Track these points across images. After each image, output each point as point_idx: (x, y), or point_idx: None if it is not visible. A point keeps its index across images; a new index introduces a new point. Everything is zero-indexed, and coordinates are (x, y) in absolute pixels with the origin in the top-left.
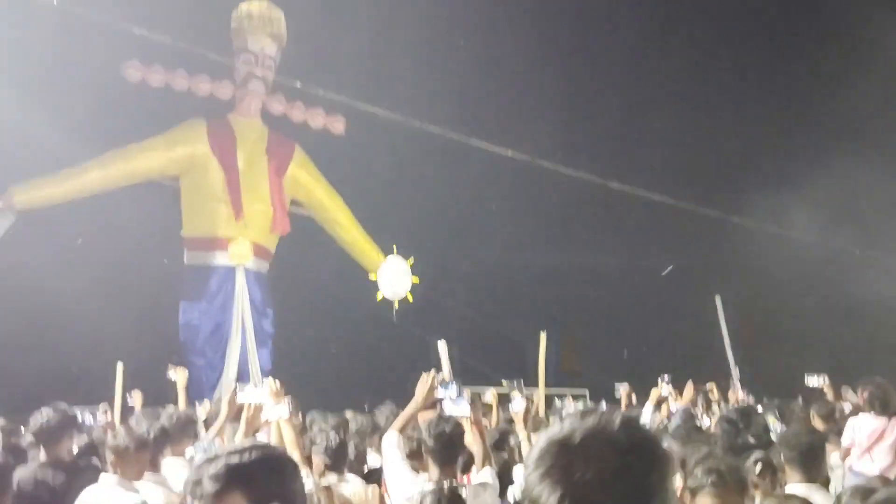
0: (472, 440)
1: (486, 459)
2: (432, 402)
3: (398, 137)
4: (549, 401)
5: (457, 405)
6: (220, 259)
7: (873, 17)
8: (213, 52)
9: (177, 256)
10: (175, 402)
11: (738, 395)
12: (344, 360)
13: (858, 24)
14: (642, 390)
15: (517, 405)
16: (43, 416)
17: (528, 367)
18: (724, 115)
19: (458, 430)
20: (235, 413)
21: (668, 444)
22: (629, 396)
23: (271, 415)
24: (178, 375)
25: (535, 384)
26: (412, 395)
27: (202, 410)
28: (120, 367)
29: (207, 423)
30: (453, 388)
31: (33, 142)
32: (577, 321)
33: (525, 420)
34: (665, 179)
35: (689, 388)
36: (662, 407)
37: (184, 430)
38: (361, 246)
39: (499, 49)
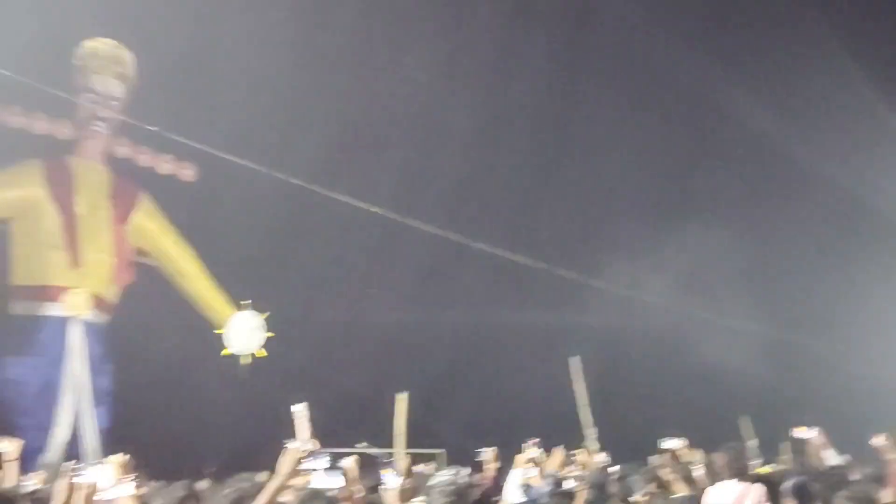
0: None
1: None
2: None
3: (256, 187)
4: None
5: (330, 477)
6: (53, 310)
7: (728, 95)
8: (52, 88)
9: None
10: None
11: (594, 457)
12: (190, 420)
13: (713, 99)
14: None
15: (391, 482)
16: None
17: (385, 427)
18: (582, 178)
19: None
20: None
21: None
22: (496, 460)
23: (115, 493)
24: (9, 446)
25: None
26: (265, 461)
27: (36, 480)
28: None
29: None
30: (324, 459)
31: None
32: (433, 380)
33: (403, 500)
34: (524, 239)
35: (557, 453)
36: (533, 471)
37: None
38: (208, 299)
39: (362, 101)
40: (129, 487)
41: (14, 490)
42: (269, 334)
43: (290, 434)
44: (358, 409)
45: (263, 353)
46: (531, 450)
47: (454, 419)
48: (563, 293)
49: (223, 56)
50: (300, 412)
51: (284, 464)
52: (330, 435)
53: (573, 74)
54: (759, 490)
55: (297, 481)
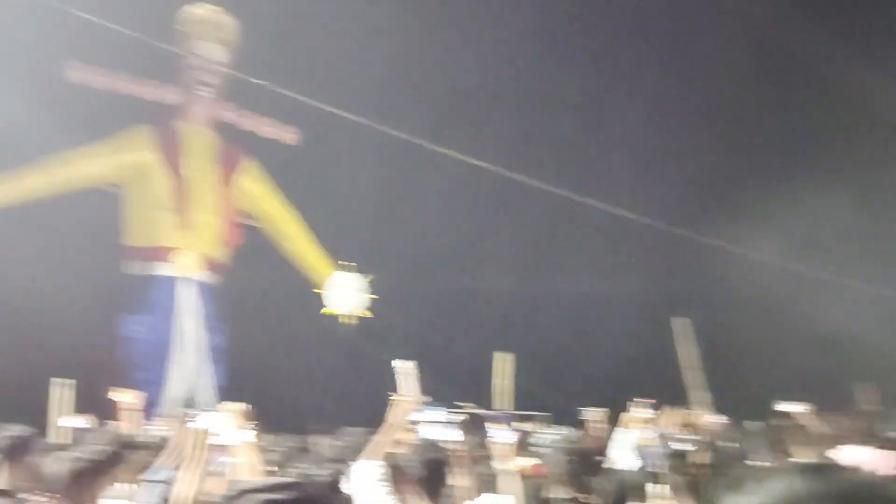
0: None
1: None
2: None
3: (359, 145)
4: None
5: (445, 430)
6: (165, 269)
7: (839, 56)
8: (159, 56)
9: (117, 266)
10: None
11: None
12: (298, 377)
13: (834, 61)
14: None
15: (499, 436)
16: None
17: (487, 389)
18: (698, 138)
19: (447, 458)
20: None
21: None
22: (604, 421)
23: (233, 439)
24: (132, 397)
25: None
26: (374, 417)
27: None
28: (54, 382)
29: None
30: (439, 412)
31: None
32: (536, 343)
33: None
34: (632, 197)
35: (671, 414)
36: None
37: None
38: (311, 260)
39: (473, 54)
40: (248, 435)
41: (139, 436)
42: (373, 296)
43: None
44: (465, 372)
45: (368, 313)
46: (640, 410)
47: (559, 382)
48: (675, 253)
49: (328, 14)
50: (405, 368)
51: (394, 415)
52: (437, 396)
53: (691, 35)
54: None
55: (406, 435)
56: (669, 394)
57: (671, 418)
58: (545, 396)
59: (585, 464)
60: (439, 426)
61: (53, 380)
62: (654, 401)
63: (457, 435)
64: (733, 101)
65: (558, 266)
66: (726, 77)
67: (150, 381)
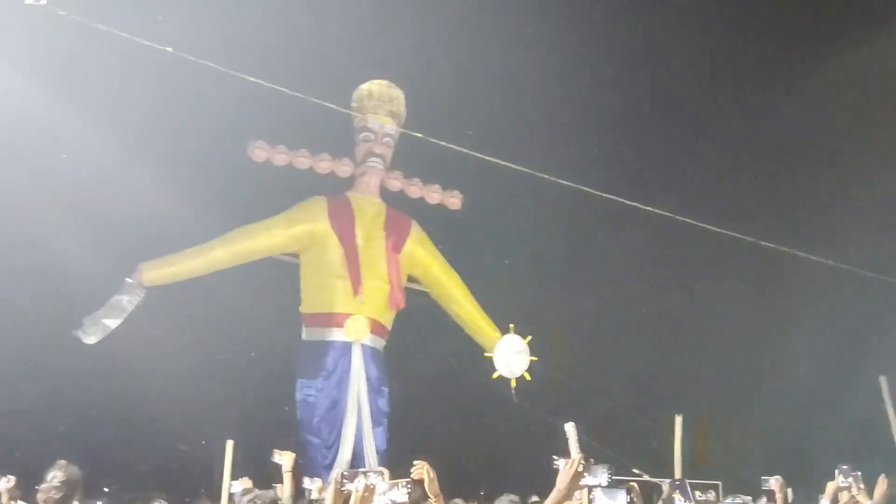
0: None
1: None
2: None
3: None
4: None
5: (611, 497)
6: (338, 335)
7: None
8: (333, 131)
9: (294, 333)
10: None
11: None
12: (460, 441)
13: None
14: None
15: None
16: None
17: (659, 454)
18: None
19: None
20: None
21: None
22: (783, 490)
23: (387, 499)
24: (284, 458)
25: (665, 474)
26: (532, 482)
27: (315, 489)
28: (230, 445)
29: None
30: (605, 474)
31: (162, 219)
32: (710, 404)
33: None
34: (826, 235)
35: (882, 483)
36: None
37: None
38: (478, 323)
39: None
40: (402, 495)
41: (292, 499)
42: (533, 358)
43: (558, 453)
44: (628, 433)
45: (527, 376)
46: (840, 478)
47: (730, 445)
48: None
49: (484, 78)
50: (571, 430)
51: (563, 476)
52: (598, 459)
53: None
54: None
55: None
56: (871, 460)
57: (883, 488)
58: (716, 462)
59: None
60: (614, 494)
61: (229, 443)
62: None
63: (623, 499)
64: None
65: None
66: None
67: (322, 445)
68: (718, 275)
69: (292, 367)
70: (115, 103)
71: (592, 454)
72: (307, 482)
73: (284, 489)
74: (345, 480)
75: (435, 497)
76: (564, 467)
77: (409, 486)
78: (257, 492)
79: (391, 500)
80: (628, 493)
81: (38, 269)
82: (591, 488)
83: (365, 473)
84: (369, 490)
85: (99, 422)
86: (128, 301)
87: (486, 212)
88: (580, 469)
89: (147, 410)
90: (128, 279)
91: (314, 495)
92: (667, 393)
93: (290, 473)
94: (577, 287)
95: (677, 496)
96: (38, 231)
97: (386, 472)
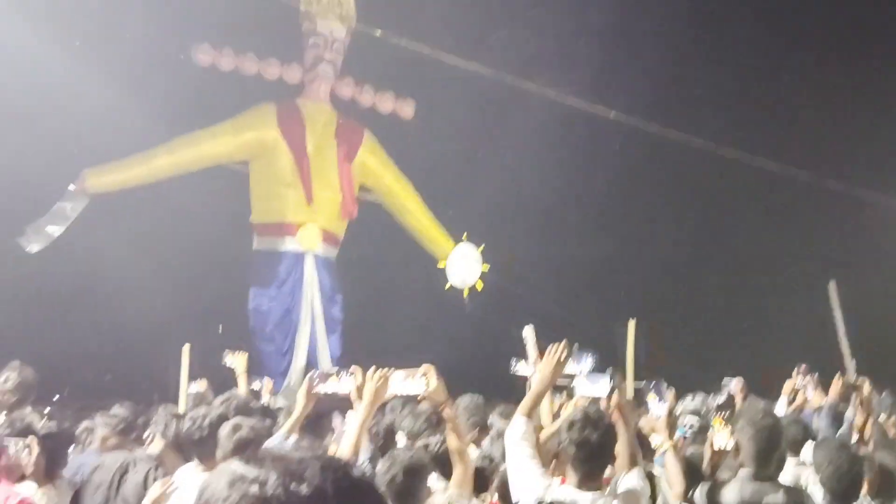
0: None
1: (633, 459)
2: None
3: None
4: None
5: (593, 383)
6: (289, 245)
7: None
8: (282, 35)
9: (246, 242)
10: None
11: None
12: (413, 349)
13: None
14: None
15: (657, 410)
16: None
17: (613, 358)
18: (840, 80)
19: (607, 438)
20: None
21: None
22: (744, 391)
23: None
24: (237, 360)
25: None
26: (492, 386)
27: (264, 390)
28: (186, 349)
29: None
30: (588, 360)
31: (106, 126)
32: (663, 309)
33: (670, 426)
34: (776, 144)
35: (836, 383)
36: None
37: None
38: (430, 233)
39: None
40: (418, 385)
41: (248, 398)
42: (485, 266)
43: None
44: (583, 340)
45: (480, 284)
46: (799, 377)
47: (682, 349)
48: (824, 208)
49: None
50: (529, 334)
51: (546, 363)
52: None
53: None
54: None
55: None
56: (819, 361)
57: (837, 387)
58: (669, 365)
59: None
60: (596, 378)
61: (185, 346)
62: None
63: (607, 388)
64: None
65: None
66: None
67: (276, 352)
68: (670, 181)
69: (244, 275)
70: (53, 7)
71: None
72: (255, 384)
73: (240, 390)
74: (318, 381)
75: (443, 402)
76: (548, 354)
77: (425, 378)
78: (231, 394)
79: (406, 392)
80: (611, 378)
81: None
82: (572, 377)
83: (338, 374)
84: (384, 378)
85: (46, 330)
86: (71, 209)
87: (441, 119)
88: (563, 356)
89: (96, 318)
90: (71, 186)
91: (265, 397)
92: (621, 297)
93: (244, 375)
94: (531, 195)
95: (652, 398)
96: None
97: (359, 371)
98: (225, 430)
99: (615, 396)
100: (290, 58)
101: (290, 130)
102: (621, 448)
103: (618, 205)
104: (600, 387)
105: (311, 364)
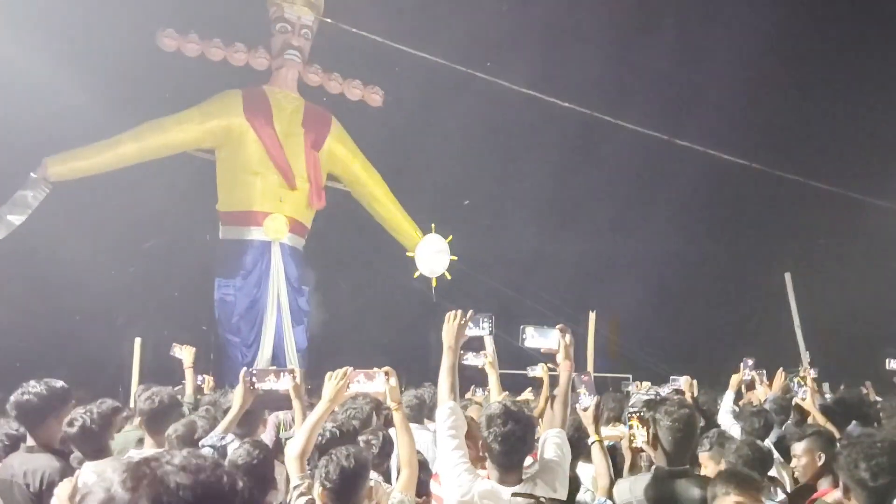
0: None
1: (562, 418)
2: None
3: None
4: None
5: (544, 337)
6: (256, 234)
7: None
8: (248, 21)
9: (212, 231)
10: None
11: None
12: (382, 338)
13: None
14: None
15: (585, 402)
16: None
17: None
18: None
19: (528, 431)
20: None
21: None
22: (691, 389)
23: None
24: (184, 353)
25: (582, 369)
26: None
27: (206, 386)
28: (138, 342)
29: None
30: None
31: (67, 112)
32: (622, 303)
33: (595, 420)
34: (735, 137)
35: (779, 376)
36: (746, 395)
37: (165, 414)
38: (399, 222)
39: None
40: (379, 384)
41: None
42: (453, 257)
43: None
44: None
45: (447, 275)
46: (746, 371)
47: (646, 343)
48: (780, 199)
49: None
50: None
51: (446, 333)
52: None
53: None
54: None
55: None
56: (775, 353)
57: (783, 380)
58: (636, 359)
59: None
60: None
61: (137, 340)
62: (754, 360)
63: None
64: None
65: (646, 219)
66: None
67: (242, 343)
68: (631, 171)
69: (209, 265)
70: None
71: (508, 349)
72: (198, 379)
73: (187, 385)
74: (254, 379)
75: (396, 404)
76: (446, 322)
77: (386, 375)
78: (155, 388)
79: (366, 391)
80: (562, 333)
81: None
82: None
83: (276, 372)
84: (345, 378)
85: (4, 319)
86: (32, 197)
87: (408, 109)
88: (461, 321)
89: (57, 309)
90: (32, 174)
91: (206, 392)
92: (582, 291)
93: (191, 369)
94: (499, 186)
95: (583, 391)
96: None
97: (298, 370)
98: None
99: (562, 346)
100: (256, 44)
101: (256, 118)
102: (556, 404)
103: (580, 197)
104: (551, 340)
105: (276, 356)
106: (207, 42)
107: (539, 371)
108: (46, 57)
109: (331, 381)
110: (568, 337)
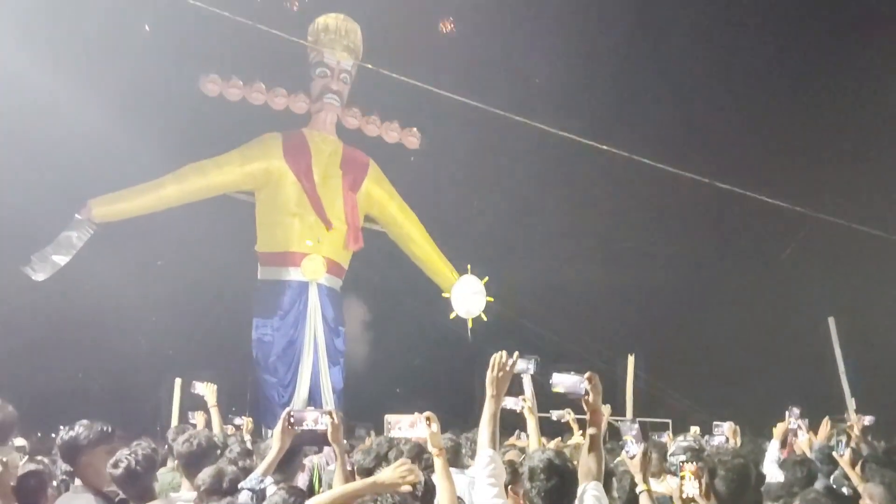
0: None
1: (598, 470)
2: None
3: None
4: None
5: (572, 382)
6: (294, 275)
7: None
8: (289, 66)
9: (251, 272)
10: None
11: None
12: (418, 379)
13: None
14: (740, 422)
15: (632, 450)
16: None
17: (613, 392)
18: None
19: (570, 484)
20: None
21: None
22: (735, 436)
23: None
24: (207, 391)
25: (621, 413)
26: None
27: (244, 429)
28: (178, 383)
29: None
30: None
31: (112, 154)
32: (661, 345)
33: (644, 468)
34: (775, 179)
35: (825, 425)
36: (790, 443)
37: (203, 456)
38: (435, 263)
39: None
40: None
41: (209, 436)
42: (489, 299)
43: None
44: (583, 373)
45: (484, 316)
46: (791, 420)
47: (682, 386)
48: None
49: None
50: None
51: (490, 383)
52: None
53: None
54: None
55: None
56: (819, 400)
57: (828, 430)
58: (668, 403)
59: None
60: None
61: (177, 381)
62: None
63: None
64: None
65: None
66: None
67: (279, 384)
68: (672, 214)
69: (248, 306)
70: (63, 38)
71: (546, 394)
72: (237, 420)
73: (214, 424)
74: (292, 419)
75: (438, 450)
76: (489, 371)
77: (427, 421)
78: (192, 430)
79: (410, 436)
80: (590, 381)
81: None
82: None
83: (315, 414)
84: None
85: (49, 359)
86: (77, 237)
87: (445, 151)
88: (503, 368)
89: (100, 348)
90: (77, 215)
91: (246, 435)
92: (621, 333)
93: (215, 408)
94: (536, 229)
95: (630, 438)
96: None
97: (335, 411)
98: None
99: (591, 395)
100: (296, 88)
101: (296, 160)
102: (590, 455)
103: (619, 238)
104: (579, 387)
105: (312, 396)
106: (249, 87)
107: (563, 414)
108: (92, 100)
109: (394, 470)
110: (595, 385)
